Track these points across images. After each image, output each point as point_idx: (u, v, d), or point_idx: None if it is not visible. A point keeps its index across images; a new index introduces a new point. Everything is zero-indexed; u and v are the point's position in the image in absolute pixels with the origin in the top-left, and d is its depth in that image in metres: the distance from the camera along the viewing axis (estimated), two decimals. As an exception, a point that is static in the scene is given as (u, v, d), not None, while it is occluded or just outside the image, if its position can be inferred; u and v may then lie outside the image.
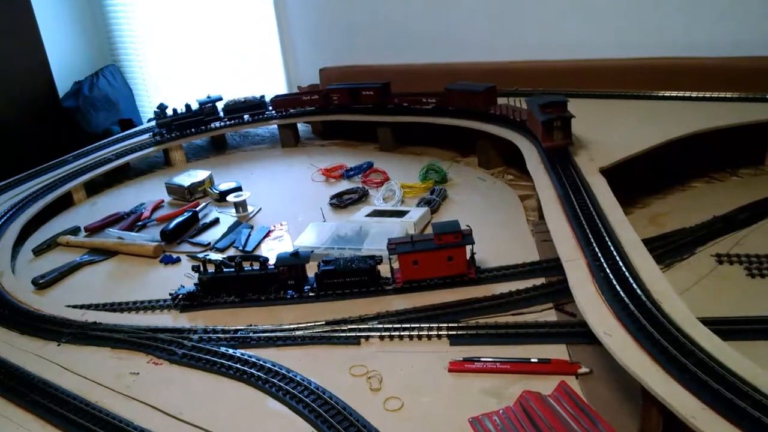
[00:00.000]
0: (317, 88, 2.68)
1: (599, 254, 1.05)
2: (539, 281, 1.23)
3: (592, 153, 1.49)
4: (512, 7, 2.26)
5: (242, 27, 3.04)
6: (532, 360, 1.01)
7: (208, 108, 2.35)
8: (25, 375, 1.14)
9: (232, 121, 2.40)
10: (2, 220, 1.80)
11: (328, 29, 2.71)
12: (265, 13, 2.87)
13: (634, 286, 0.95)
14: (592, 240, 1.10)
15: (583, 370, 0.97)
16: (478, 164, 1.95)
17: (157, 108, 2.30)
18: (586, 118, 1.69)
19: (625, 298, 0.92)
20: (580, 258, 1.06)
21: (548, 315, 1.14)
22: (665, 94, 1.89)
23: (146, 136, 2.41)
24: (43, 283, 1.51)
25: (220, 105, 2.41)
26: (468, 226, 1.26)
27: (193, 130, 2.35)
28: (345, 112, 2.30)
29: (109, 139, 2.51)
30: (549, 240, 1.36)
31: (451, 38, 2.40)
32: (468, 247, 1.26)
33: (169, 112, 2.33)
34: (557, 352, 1.03)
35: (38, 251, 1.71)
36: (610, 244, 1.07)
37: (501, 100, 1.92)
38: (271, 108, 2.43)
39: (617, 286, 0.96)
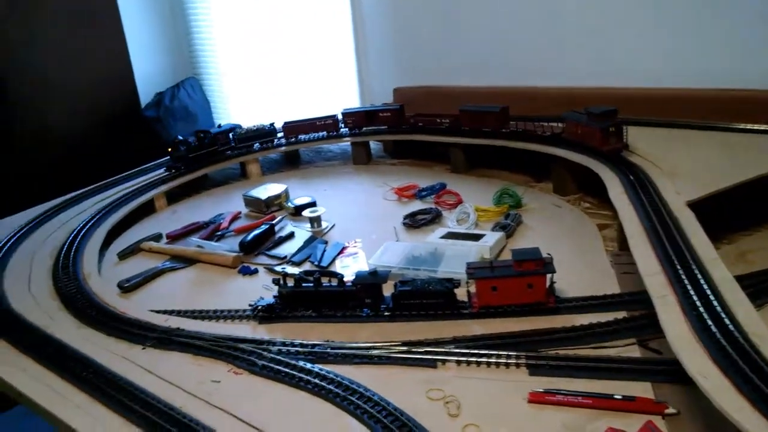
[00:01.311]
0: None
1: (691, 292, 1.02)
2: (621, 315, 1.20)
3: (678, 185, 1.45)
4: (592, 33, 2.24)
5: (319, 44, 3.11)
6: (616, 396, 0.98)
7: (222, 138, 2.37)
8: (112, 376, 1.18)
9: (243, 150, 2.41)
10: (90, 224, 1.89)
11: (405, 49, 2.74)
12: (342, 30, 2.94)
13: (731, 327, 0.92)
14: (683, 276, 1.06)
15: (671, 410, 0.94)
16: (553, 190, 1.92)
17: (172, 142, 2.29)
18: (666, 147, 1.66)
19: (722, 340, 0.89)
20: (670, 295, 1.03)
21: (631, 350, 1.11)
22: (751, 127, 1.82)
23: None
24: (128, 287, 1.57)
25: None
26: (549, 254, 1.25)
27: (209, 160, 2.33)
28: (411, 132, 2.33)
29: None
30: (630, 272, 1.34)
31: (530, 62, 2.39)
32: (547, 276, 1.24)
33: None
34: (641, 389, 1.00)
35: (123, 255, 1.79)
36: (702, 281, 1.04)
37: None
38: (281, 134, 2.47)
39: (712, 326, 0.93)
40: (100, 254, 1.77)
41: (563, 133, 1.92)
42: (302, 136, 2.46)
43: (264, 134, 2.44)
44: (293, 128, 2.46)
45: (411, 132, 2.35)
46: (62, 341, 1.31)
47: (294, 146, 2.48)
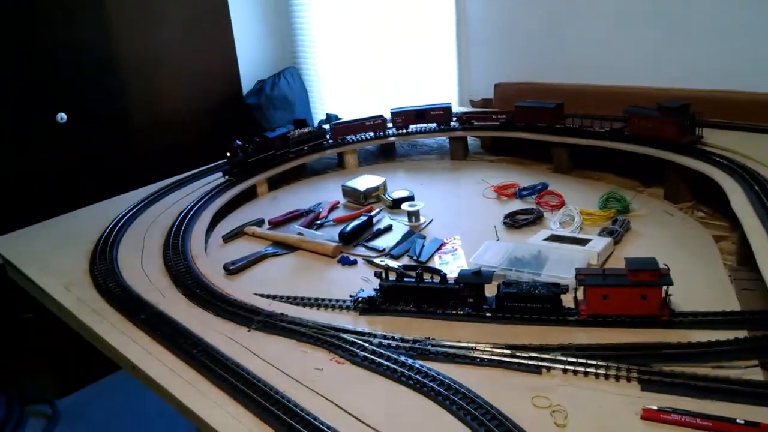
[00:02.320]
0: (490, 104, 2.68)
1: (831, 316, 0.94)
2: (741, 334, 1.12)
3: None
4: (711, 35, 2.12)
5: (420, 38, 3.10)
6: (738, 421, 0.93)
7: (277, 142, 2.31)
8: (220, 355, 1.22)
9: (296, 153, 2.36)
10: (197, 206, 1.96)
11: (508, 44, 2.69)
12: (445, 24, 2.91)
13: None
14: (821, 299, 0.99)
15: (800, 441, 0.88)
16: (665, 196, 1.83)
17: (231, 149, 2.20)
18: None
19: None
20: (807, 318, 0.96)
21: (752, 373, 1.04)
22: None
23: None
24: (233, 270, 1.62)
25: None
26: (665, 265, 1.19)
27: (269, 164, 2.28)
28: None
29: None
30: (751, 289, 1.26)
31: (635, 61, 2.30)
32: (662, 288, 1.18)
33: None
34: (765, 415, 0.94)
35: (227, 238, 1.85)
36: (844, 306, 0.96)
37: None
38: (329, 136, 2.44)
39: None
40: (205, 236, 1.84)
41: (626, 128, 1.96)
42: (350, 137, 2.45)
43: (314, 137, 2.41)
44: (341, 129, 2.45)
45: (460, 129, 2.38)
46: (173, 318, 1.37)
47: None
